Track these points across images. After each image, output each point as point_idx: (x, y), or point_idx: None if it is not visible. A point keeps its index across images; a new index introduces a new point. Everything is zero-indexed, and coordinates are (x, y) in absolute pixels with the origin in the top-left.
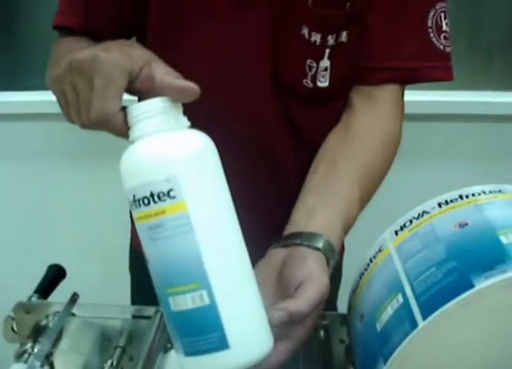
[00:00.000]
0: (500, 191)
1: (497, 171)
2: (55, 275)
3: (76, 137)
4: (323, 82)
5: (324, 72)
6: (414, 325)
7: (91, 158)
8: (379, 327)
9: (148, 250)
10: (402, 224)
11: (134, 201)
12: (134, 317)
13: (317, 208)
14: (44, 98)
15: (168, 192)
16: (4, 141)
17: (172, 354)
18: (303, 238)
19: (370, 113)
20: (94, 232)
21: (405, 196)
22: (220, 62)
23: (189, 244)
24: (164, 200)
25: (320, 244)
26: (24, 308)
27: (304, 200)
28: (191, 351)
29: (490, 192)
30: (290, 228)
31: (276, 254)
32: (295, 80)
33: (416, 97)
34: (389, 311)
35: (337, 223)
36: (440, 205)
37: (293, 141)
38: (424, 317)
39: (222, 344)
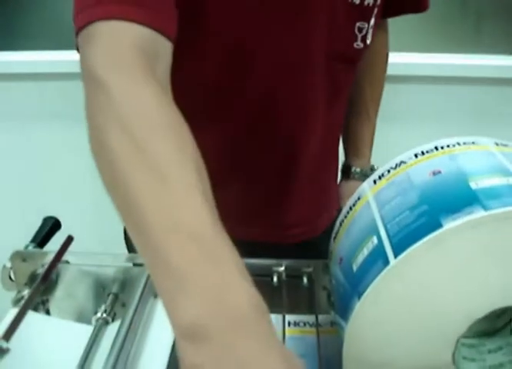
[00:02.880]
0: (473, 143)
1: (485, 134)
2: (51, 227)
3: (70, 98)
4: (369, 39)
5: (371, 30)
6: (387, 263)
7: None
8: (355, 267)
9: None
10: (380, 174)
11: None
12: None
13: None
14: (38, 58)
15: None
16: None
17: None
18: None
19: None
20: (88, 187)
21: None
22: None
23: None
24: None
25: None
26: (21, 257)
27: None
28: None
29: (465, 143)
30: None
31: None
32: (347, 45)
33: (406, 59)
34: (364, 253)
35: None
36: (416, 156)
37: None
38: (396, 256)
39: None
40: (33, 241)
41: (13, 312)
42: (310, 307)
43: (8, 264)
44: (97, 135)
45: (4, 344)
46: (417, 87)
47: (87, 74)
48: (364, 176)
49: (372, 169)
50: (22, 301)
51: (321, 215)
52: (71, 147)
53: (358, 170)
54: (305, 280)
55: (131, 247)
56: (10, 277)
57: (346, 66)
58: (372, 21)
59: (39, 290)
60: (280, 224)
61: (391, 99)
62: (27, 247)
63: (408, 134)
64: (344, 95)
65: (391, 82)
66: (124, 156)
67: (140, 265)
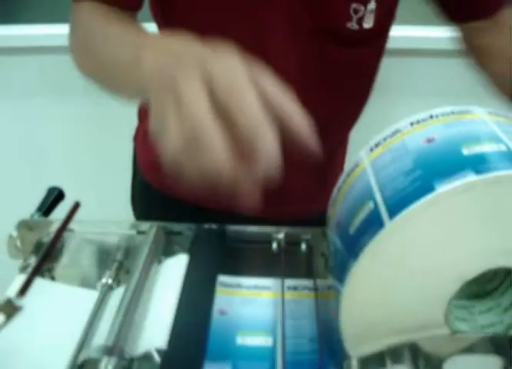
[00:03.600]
0: (467, 112)
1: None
2: (55, 197)
3: (69, 71)
4: (368, 23)
5: (370, 14)
6: (382, 225)
7: (89, 92)
8: (352, 231)
9: None
10: (377, 142)
11: None
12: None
13: None
14: (36, 32)
15: None
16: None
17: (165, 265)
18: None
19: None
20: (89, 158)
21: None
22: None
23: None
24: None
25: None
26: (26, 226)
27: None
28: None
29: (459, 112)
30: None
31: None
32: (338, 23)
33: (401, 32)
34: (361, 217)
35: None
36: (411, 124)
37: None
38: (391, 218)
39: None
40: (38, 210)
41: (20, 278)
42: (309, 273)
43: (15, 233)
44: (71, 35)
45: (18, 301)
46: (415, 60)
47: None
48: None
49: None
50: (29, 269)
51: (317, 197)
52: (73, 119)
53: None
54: (304, 246)
55: (136, 214)
56: (16, 246)
57: (340, 46)
58: (372, 6)
59: (46, 258)
60: (275, 200)
61: (389, 73)
62: (32, 216)
63: (405, 108)
64: (348, 82)
65: (389, 56)
66: (87, 37)
67: (143, 233)
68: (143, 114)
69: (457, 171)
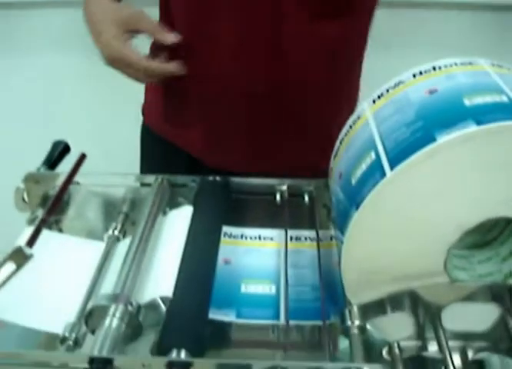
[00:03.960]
0: (470, 63)
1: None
2: (61, 150)
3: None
4: None
5: None
6: (383, 175)
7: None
8: (353, 181)
9: None
10: (379, 94)
11: None
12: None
13: None
14: None
15: None
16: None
17: (170, 216)
18: None
19: None
20: (94, 112)
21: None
22: None
23: None
24: None
25: None
26: (33, 179)
27: None
28: None
29: (462, 64)
30: None
31: None
32: None
33: None
34: (363, 167)
35: None
36: (414, 76)
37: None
38: (392, 168)
39: None
40: (44, 163)
41: (28, 230)
42: (311, 224)
43: (22, 186)
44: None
45: (28, 250)
46: (417, 12)
47: None
48: None
49: None
50: (36, 221)
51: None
52: (78, 72)
53: None
54: (306, 198)
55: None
56: (23, 199)
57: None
58: None
59: (53, 210)
60: (266, 154)
61: (394, 25)
62: (39, 169)
63: (407, 61)
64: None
65: (394, 8)
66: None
67: (148, 185)
68: None
69: (458, 121)
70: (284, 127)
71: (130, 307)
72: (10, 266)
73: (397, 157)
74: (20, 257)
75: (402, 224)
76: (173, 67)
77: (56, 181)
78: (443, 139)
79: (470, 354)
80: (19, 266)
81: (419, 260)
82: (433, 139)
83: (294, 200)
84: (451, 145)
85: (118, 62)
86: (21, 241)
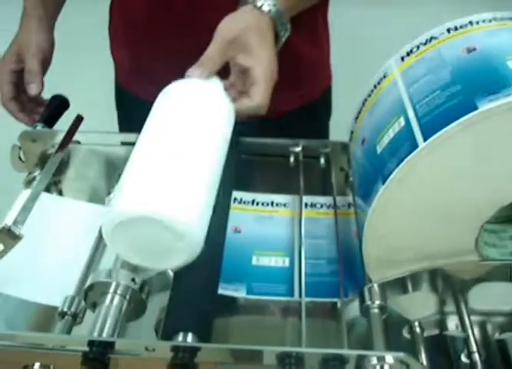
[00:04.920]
0: (511, 19)
1: None
2: (59, 105)
3: None
4: None
5: None
6: (415, 146)
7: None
8: (379, 149)
9: None
10: (409, 50)
11: None
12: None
13: None
14: None
15: None
16: None
17: None
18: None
19: None
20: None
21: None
22: None
23: None
24: None
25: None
26: (30, 137)
27: None
28: None
29: (502, 19)
30: None
31: None
32: None
33: None
34: (390, 134)
35: None
36: (449, 31)
37: None
38: (425, 139)
39: None
40: (41, 120)
41: (25, 193)
42: (327, 189)
43: (18, 145)
44: None
45: (18, 230)
46: None
47: None
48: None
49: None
50: (34, 182)
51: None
52: (79, 28)
53: None
54: (322, 160)
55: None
56: (20, 158)
57: None
58: None
59: (51, 170)
60: None
61: None
62: (35, 127)
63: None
64: None
65: None
66: None
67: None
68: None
69: (503, 87)
70: None
71: (132, 284)
72: None
73: (431, 125)
74: (8, 238)
75: (433, 201)
76: (22, 118)
77: (55, 140)
78: (486, 106)
79: (493, 334)
80: (7, 247)
81: (448, 238)
82: (474, 106)
83: (309, 162)
84: (494, 114)
85: None
86: (18, 205)
